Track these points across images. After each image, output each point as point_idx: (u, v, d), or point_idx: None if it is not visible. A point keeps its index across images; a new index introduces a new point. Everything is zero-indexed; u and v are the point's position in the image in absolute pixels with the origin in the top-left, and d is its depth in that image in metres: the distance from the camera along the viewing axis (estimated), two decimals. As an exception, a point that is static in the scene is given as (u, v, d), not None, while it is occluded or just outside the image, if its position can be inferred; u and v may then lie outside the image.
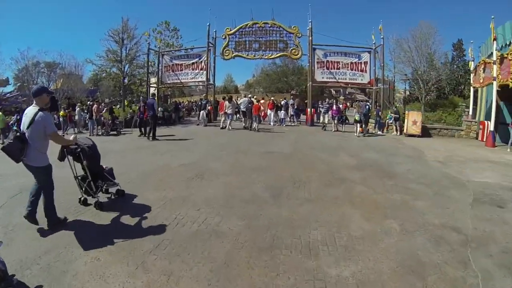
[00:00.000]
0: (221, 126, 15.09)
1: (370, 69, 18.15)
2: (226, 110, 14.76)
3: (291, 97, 18.12)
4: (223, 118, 15.37)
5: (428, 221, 4.06)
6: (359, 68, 18.13)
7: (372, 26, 23.08)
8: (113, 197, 4.75)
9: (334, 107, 14.85)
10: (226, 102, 14.94)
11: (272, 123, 16.40)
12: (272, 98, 17.92)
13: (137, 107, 16.04)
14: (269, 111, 16.56)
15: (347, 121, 15.11)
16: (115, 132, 14.51)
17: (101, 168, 4.55)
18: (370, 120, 15.86)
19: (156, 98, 15.00)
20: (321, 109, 16.80)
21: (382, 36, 17.50)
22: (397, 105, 16.22)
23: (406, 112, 14.83)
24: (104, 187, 4.46)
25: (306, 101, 18.39)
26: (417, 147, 10.49)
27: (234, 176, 5.97)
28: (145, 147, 9.80)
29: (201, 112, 16.86)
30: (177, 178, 5.81)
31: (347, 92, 59.48)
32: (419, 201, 4.83)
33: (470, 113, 15.15)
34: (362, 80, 18.19)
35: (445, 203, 4.76)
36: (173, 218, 3.95)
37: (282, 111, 16.71)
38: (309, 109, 17.05)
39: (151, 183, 5.55)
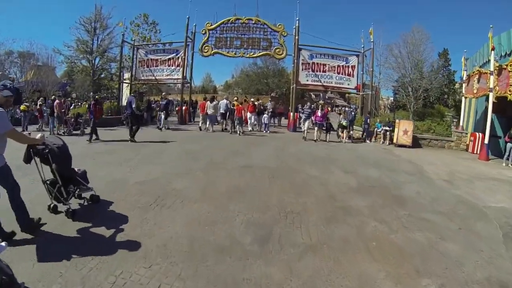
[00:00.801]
0: (200, 127, 14.48)
1: (357, 73, 17.30)
2: (207, 111, 14.04)
3: (270, 100, 16.83)
4: (201, 119, 14.76)
5: (470, 275, 3.04)
6: (346, 72, 17.22)
7: (361, 28, 22.19)
8: (86, 203, 4.24)
9: (319, 113, 12.90)
10: (208, 103, 14.18)
11: (250, 127, 14.75)
12: (254, 100, 16.50)
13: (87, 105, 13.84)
14: (249, 114, 15.08)
15: (331, 129, 14.09)
16: (78, 132, 12.66)
17: (73, 171, 4.08)
18: (357, 127, 14.98)
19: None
20: (301, 114, 14.65)
21: (372, 40, 16.73)
22: (390, 117, 15.34)
23: (397, 120, 14.01)
24: (77, 192, 4.01)
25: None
26: (413, 160, 9.55)
27: (205, 203, 4.53)
28: (102, 152, 8.16)
29: (161, 113, 14.85)
30: (129, 205, 4.32)
31: (327, 97, 59.30)
32: (448, 242, 3.74)
33: (461, 123, 14.61)
34: (348, 84, 17.29)
35: (476, 243, 3.79)
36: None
37: (265, 115, 15.15)
38: (291, 113, 15.88)
39: (92, 213, 4.04)
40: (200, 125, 14.60)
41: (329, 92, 61.98)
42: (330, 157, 9.10)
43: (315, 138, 12.61)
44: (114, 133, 12.72)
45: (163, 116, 14.50)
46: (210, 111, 13.97)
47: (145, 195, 4.74)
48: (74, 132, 12.75)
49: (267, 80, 36.92)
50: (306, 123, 13.08)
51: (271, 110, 16.46)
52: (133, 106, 10.69)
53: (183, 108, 17.55)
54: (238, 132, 13.19)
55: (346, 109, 19.55)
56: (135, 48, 20.06)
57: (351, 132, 14.13)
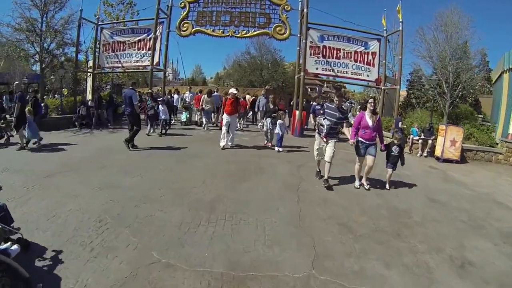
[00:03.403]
0: (198, 123, 13.36)
1: (379, 62, 13.50)
2: (203, 106, 12.42)
3: (263, 93, 12.68)
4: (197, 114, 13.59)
5: None
6: (365, 59, 13.38)
7: (382, 8, 17.76)
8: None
9: (367, 118, 5.54)
10: (205, 96, 12.39)
11: (223, 143, 8.59)
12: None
13: None
14: (226, 117, 8.52)
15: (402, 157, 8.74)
16: (1, 141, 8.56)
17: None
18: (386, 133, 11.27)
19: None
20: (322, 121, 5.52)
21: (401, 20, 12.80)
22: (434, 121, 11.65)
23: (441, 126, 10.30)
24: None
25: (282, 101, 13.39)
26: (490, 194, 6.04)
27: None
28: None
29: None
30: None
31: (322, 91, 55.17)
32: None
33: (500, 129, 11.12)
34: (368, 76, 13.46)
35: None
36: None
37: (280, 122, 8.73)
38: (297, 112, 12.00)
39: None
40: (198, 120, 13.60)
41: (325, 85, 57.78)
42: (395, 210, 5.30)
43: (361, 180, 5.80)
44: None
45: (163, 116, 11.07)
46: (206, 107, 12.40)
47: None
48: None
49: (261, 71, 32.84)
50: (331, 144, 5.49)
51: (266, 107, 11.25)
52: (135, 102, 8.32)
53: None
54: (224, 144, 8.64)
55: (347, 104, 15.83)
56: (99, 29, 15.77)
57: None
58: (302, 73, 12.00)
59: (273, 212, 4.24)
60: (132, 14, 22.39)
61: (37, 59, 17.01)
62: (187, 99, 14.51)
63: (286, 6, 12.79)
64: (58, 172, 5.53)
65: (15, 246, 2.49)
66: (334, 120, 5.46)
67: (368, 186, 5.70)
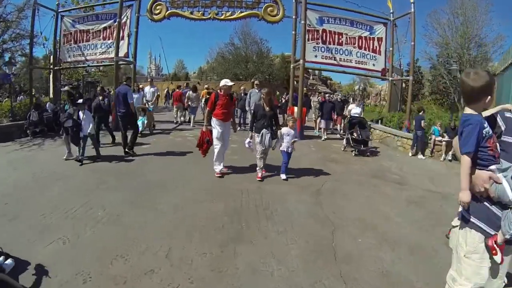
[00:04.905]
0: (175, 121, 12.45)
1: (386, 50, 11.70)
2: (189, 103, 11.90)
3: (256, 85, 10.35)
4: (175, 112, 12.73)
5: None
6: (371, 46, 11.53)
7: None
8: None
9: None
10: (190, 92, 11.93)
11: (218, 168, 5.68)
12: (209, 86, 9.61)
13: None
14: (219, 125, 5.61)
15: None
16: None
17: None
18: (406, 134, 9.59)
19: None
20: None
21: (412, 1, 10.96)
22: (455, 117, 10.05)
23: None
24: None
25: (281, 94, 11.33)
26: None
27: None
28: None
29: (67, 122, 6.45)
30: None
31: (308, 83, 53.48)
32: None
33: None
34: (374, 65, 11.61)
35: None
36: None
37: (286, 131, 5.68)
38: (295, 108, 10.05)
39: None
40: (175, 119, 12.58)
41: (310, 77, 56.02)
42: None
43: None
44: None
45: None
46: (193, 104, 11.88)
47: None
48: None
49: (247, 63, 30.66)
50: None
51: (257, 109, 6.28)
52: (131, 101, 7.13)
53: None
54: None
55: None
56: (59, 16, 13.20)
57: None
58: (301, 61, 9.94)
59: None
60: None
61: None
62: (147, 96, 10.77)
63: (278, -17, 10.74)
64: None
65: (9, 260, 2.39)
66: None
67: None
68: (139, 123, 8.71)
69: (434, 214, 4.51)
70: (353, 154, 8.25)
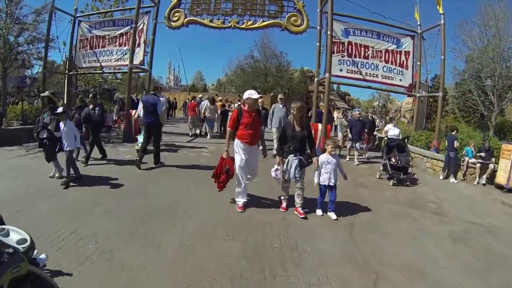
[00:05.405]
0: (190, 134, 12.04)
1: (413, 64, 10.95)
2: (206, 114, 11.70)
3: (279, 99, 9.49)
4: (190, 123, 12.40)
5: None
6: (398, 60, 10.80)
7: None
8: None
9: None
10: (207, 104, 11.64)
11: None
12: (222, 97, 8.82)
13: None
14: (243, 149, 4.60)
15: None
16: None
17: None
18: (436, 155, 8.68)
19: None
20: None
21: (442, 12, 10.22)
22: (488, 136, 9.13)
23: (506, 146, 7.67)
24: None
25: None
26: None
27: None
28: None
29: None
30: None
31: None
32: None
33: None
34: (401, 80, 10.84)
35: None
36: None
37: (326, 159, 4.60)
38: (319, 125, 9.32)
39: None
40: (190, 131, 12.19)
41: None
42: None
43: None
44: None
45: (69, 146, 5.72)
46: (210, 115, 11.68)
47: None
48: None
49: (266, 76, 30.21)
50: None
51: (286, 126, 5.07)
52: (160, 112, 6.87)
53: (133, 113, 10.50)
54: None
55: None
56: (76, 21, 13.11)
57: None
58: (327, 74, 9.20)
59: None
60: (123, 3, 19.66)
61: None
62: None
63: (303, -8, 10.21)
64: None
65: (43, 255, 2.27)
66: None
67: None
68: (140, 138, 7.78)
69: (484, 254, 3.77)
70: (391, 184, 7.01)
